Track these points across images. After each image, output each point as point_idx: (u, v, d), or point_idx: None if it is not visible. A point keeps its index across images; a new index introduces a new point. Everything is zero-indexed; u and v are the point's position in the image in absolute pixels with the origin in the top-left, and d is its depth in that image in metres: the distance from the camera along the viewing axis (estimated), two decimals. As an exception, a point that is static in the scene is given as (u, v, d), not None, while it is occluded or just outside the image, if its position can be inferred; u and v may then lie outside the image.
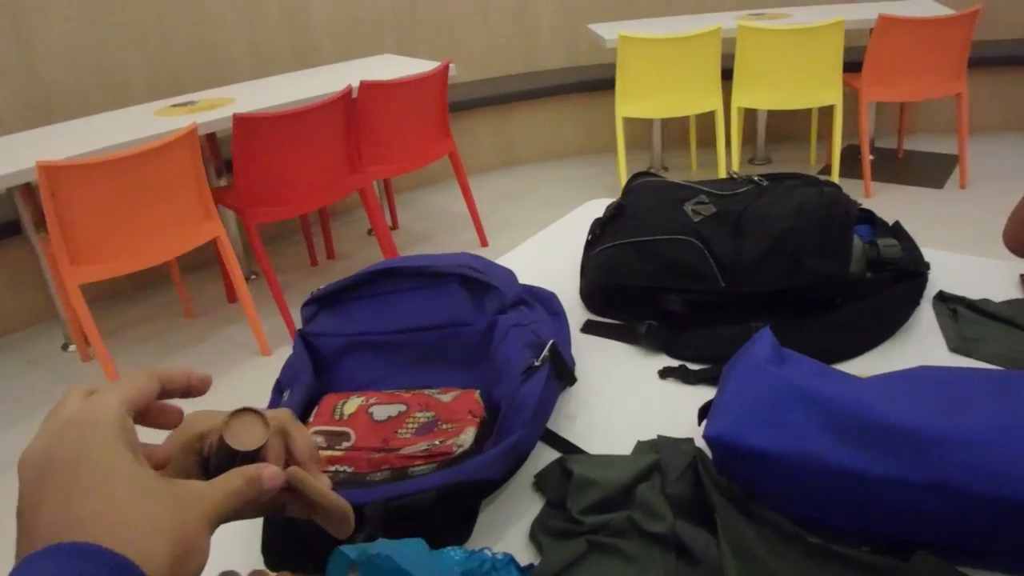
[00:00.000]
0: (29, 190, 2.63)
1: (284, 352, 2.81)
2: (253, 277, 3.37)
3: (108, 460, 0.38)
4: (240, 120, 2.57)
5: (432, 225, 3.86)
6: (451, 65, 3.18)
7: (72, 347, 2.98)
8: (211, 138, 3.05)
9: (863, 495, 0.61)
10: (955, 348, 0.90)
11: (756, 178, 1.10)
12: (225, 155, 3.07)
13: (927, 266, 1.00)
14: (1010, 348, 0.89)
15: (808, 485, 0.64)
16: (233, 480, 0.43)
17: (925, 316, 0.98)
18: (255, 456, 0.46)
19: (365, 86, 2.89)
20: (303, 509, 0.50)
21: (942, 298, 1.00)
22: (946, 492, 0.58)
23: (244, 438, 0.46)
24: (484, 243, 3.54)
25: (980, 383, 0.66)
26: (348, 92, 2.81)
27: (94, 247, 2.38)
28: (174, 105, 3.06)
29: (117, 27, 3.42)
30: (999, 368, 0.85)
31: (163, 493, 0.39)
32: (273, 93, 3.11)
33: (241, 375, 2.74)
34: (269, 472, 0.45)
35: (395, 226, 3.84)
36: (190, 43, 3.62)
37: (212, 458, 0.48)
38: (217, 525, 0.42)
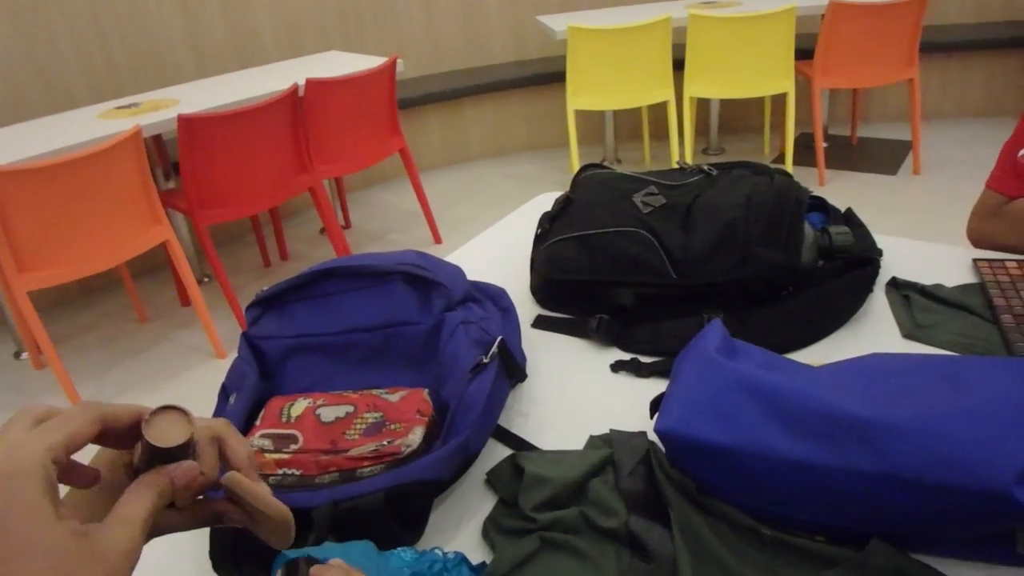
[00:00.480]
0: None
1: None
2: (206, 280, 3.30)
3: (26, 527, 0.37)
4: (185, 121, 2.51)
5: (385, 223, 3.82)
6: (398, 61, 3.14)
7: (24, 355, 2.90)
8: (157, 140, 2.97)
9: (815, 486, 0.61)
10: (908, 335, 0.91)
11: (705, 168, 1.10)
12: (172, 157, 3.00)
13: (880, 253, 1.01)
14: (962, 333, 0.89)
15: (760, 477, 0.63)
16: (142, 501, 0.41)
17: (878, 303, 0.99)
18: (181, 454, 0.44)
19: (312, 84, 2.84)
20: (242, 519, 0.48)
21: (895, 284, 1.01)
22: (896, 481, 0.58)
23: (166, 435, 0.43)
24: (438, 240, 3.51)
25: (928, 370, 0.66)
26: (295, 90, 2.76)
27: (41, 253, 2.31)
28: (117, 108, 2.97)
29: (54, 30, 3.32)
30: (949, 354, 0.86)
31: (79, 557, 0.38)
32: (218, 93, 3.03)
33: (196, 378, 2.69)
34: (182, 469, 0.43)
35: (348, 225, 3.79)
36: (131, 44, 3.52)
37: (138, 464, 0.45)
38: (141, 546, 0.41)
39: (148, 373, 2.75)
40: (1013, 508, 0.54)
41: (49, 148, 2.48)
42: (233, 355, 2.73)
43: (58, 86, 3.37)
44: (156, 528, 0.45)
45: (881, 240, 1.09)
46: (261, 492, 0.47)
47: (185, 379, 2.69)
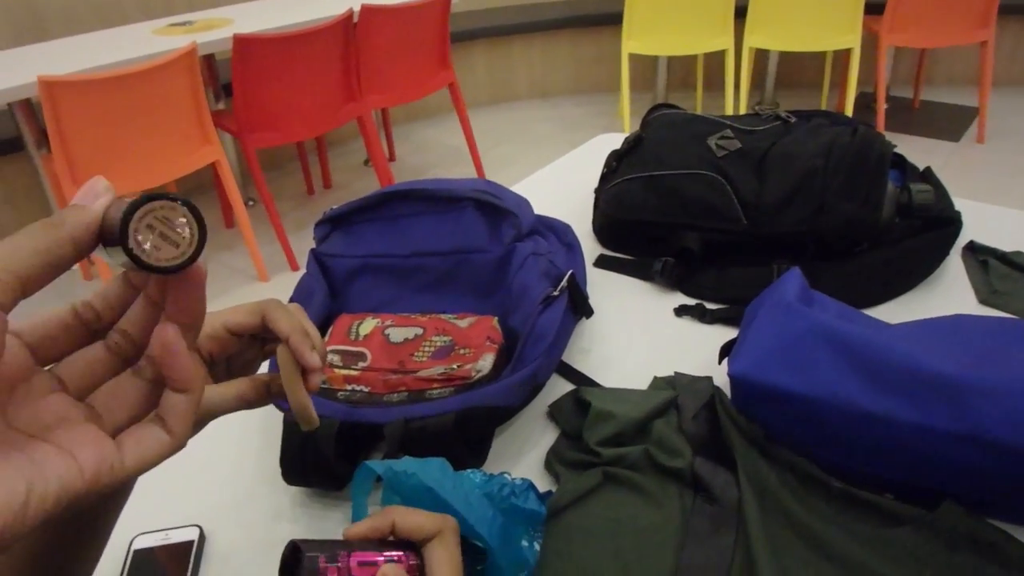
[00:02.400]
0: (29, 106, 2.56)
1: (281, 278, 2.79)
2: (250, 203, 3.32)
3: None
4: (240, 41, 2.48)
5: (429, 158, 3.79)
6: None
7: (75, 265, 2.95)
8: (209, 60, 2.96)
9: (891, 441, 0.60)
10: (984, 300, 0.88)
11: (783, 114, 1.06)
12: (223, 78, 2.99)
13: (959, 214, 0.98)
14: None
15: (833, 429, 0.62)
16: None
17: (954, 266, 0.96)
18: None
19: (366, 10, 2.79)
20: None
21: (972, 248, 0.98)
22: (978, 442, 0.56)
23: (163, 250, 0.30)
24: (482, 176, 3.49)
25: (1015, 333, 0.64)
26: (349, 15, 2.72)
27: (96, 166, 2.33)
28: (171, 25, 2.95)
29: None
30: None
31: None
32: (272, 15, 3.00)
33: (238, 300, 2.70)
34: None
35: (392, 158, 3.77)
36: None
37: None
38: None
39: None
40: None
41: (106, 61, 2.47)
42: (276, 278, 2.78)
43: (108, 1, 3.36)
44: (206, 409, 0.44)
45: (958, 203, 1.05)
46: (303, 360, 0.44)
47: (228, 301, 2.72)
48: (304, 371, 0.44)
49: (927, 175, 1.05)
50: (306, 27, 2.60)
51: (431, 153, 3.85)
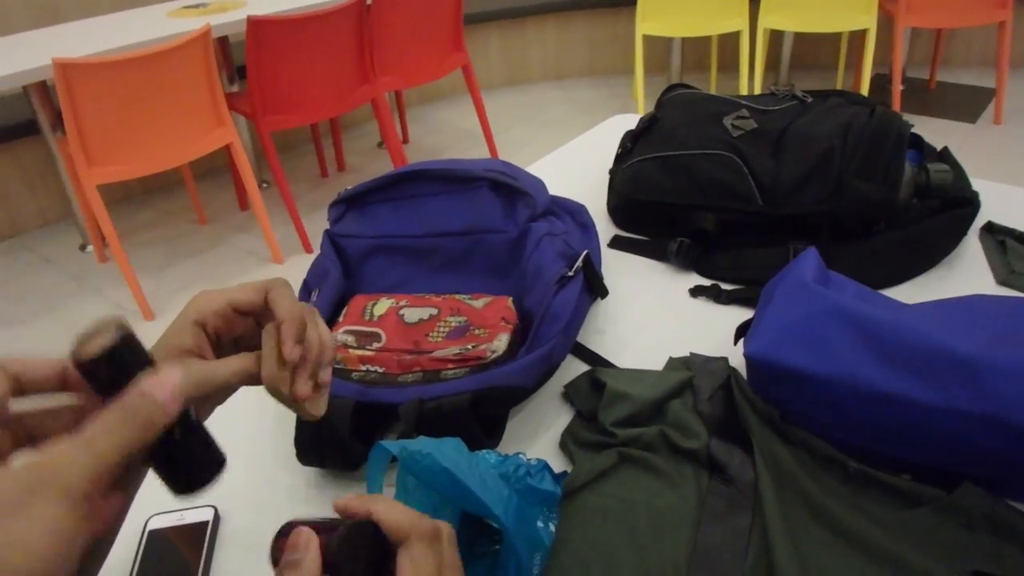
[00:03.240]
0: (44, 89, 2.57)
1: (296, 260, 2.80)
2: (264, 186, 3.33)
3: None
4: (254, 23, 2.46)
5: (442, 140, 3.78)
6: None
7: (89, 248, 2.97)
8: (223, 42, 2.96)
9: (908, 422, 0.60)
10: (1003, 281, 0.87)
11: (799, 94, 1.05)
12: (237, 61, 2.99)
13: (976, 194, 0.97)
14: None
15: (850, 409, 0.62)
16: (111, 422, 0.34)
17: (971, 247, 0.95)
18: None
19: None
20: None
21: (990, 229, 0.97)
22: (997, 423, 0.56)
23: (89, 345, 0.36)
24: (495, 157, 3.47)
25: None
26: None
27: (110, 148, 2.34)
28: (185, 7, 2.96)
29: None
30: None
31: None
32: None
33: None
34: (155, 380, 0.36)
35: (406, 140, 3.77)
36: None
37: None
38: (101, 485, 0.33)
39: (207, 274, 2.80)
40: None
41: (120, 44, 2.48)
42: (290, 260, 2.79)
43: None
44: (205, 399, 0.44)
45: (976, 184, 1.04)
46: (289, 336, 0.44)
47: (243, 282, 2.74)
48: (283, 341, 0.43)
49: (944, 155, 1.04)
50: (320, 9, 2.59)
51: (445, 135, 3.84)
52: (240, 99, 2.77)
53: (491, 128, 3.47)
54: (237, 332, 0.47)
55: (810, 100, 1.03)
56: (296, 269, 2.74)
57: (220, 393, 0.45)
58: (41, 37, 2.71)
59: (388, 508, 0.42)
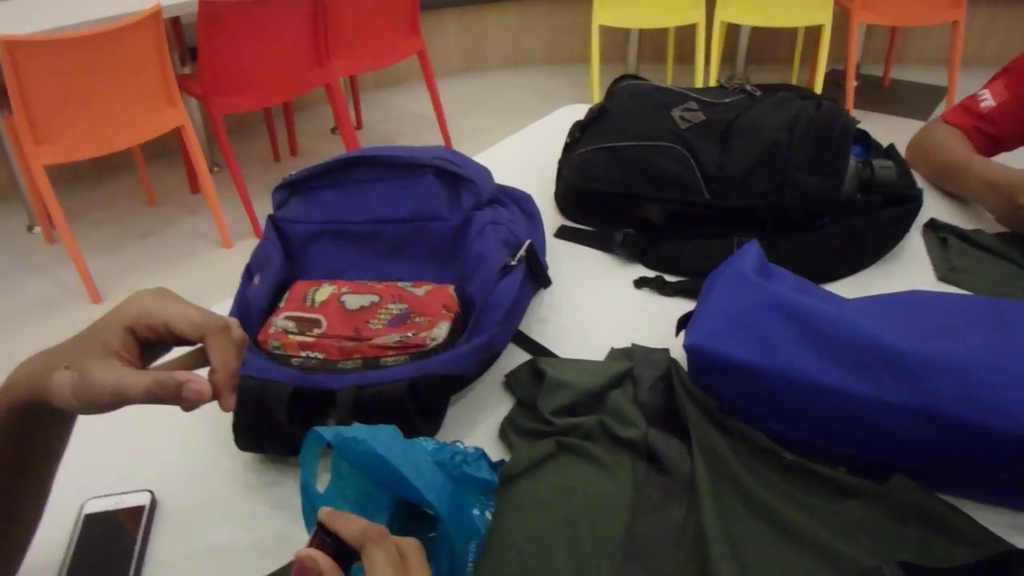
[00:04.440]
0: None
1: (245, 244, 2.75)
2: (216, 169, 3.26)
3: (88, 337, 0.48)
4: (206, 4, 2.45)
5: (397, 126, 3.74)
6: None
7: (36, 228, 2.91)
8: (175, 23, 2.90)
9: (843, 414, 0.60)
10: (943, 277, 0.89)
11: (748, 87, 1.06)
12: (189, 42, 2.93)
13: (920, 191, 0.98)
14: (999, 280, 0.87)
15: (787, 401, 0.63)
16: (139, 382, 0.45)
17: (913, 243, 0.97)
18: None
19: None
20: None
21: (933, 226, 0.98)
22: (930, 416, 0.57)
23: None
24: (449, 147, 3.44)
25: (972, 310, 0.65)
26: None
27: (59, 128, 2.30)
28: None
29: None
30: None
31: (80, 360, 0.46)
32: None
33: (202, 264, 2.69)
34: (193, 389, 0.46)
35: (359, 125, 3.73)
36: None
37: None
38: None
39: (156, 256, 2.75)
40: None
41: (68, 22, 2.42)
42: (240, 244, 2.75)
43: None
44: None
45: (920, 181, 1.06)
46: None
47: (193, 265, 2.70)
48: (216, 391, 0.47)
49: (890, 152, 1.06)
50: None
51: (399, 121, 3.80)
52: (192, 81, 2.72)
53: (447, 115, 3.44)
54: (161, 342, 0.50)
55: (759, 94, 1.04)
56: (245, 254, 2.68)
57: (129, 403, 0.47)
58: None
59: (345, 522, 0.46)
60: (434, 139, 3.46)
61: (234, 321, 0.49)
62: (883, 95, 3.81)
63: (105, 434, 0.70)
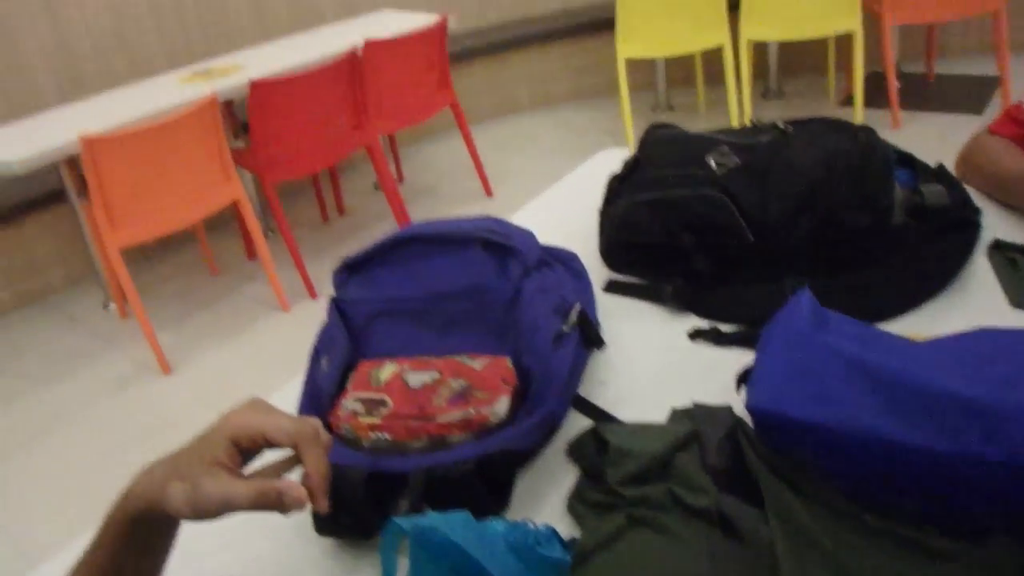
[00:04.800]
0: (71, 160, 2.69)
1: (301, 307, 2.88)
2: (269, 234, 3.39)
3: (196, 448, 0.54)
4: (257, 86, 2.63)
5: (436, 177, 3.83)
6: (449, 18, 3.17)
7: (112, 305, 3.09)
8: (227, 104, 3.07)
9: (923, 472, 0.58)
10: (1018, 303, 0.85)
11: (780, 124, 1.06)
12: (239, 117, 3.10)
13: (978, 212, 0.95)
14: None
15: (861, 460, 0.61)
16: (247, 492, 0.51)
17: (980, 268, 0.93)
18: None
19: (369, 45, 2.90)
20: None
21: (998, 247, 0.95)
22: (1017, 469, 0.54)
23: None
24: (489, 193, 3.50)
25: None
26: (354, 51, 2.84)
27: (131, 212, 2.50)
28: (194, 74, 3.09)
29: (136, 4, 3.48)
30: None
31: (190, 470, 0.52)
32: (281, 56, 3.14)
33: (263, 330, 2.81)
34: (292, 496, 0.51)
35: (401, 178, 3.83)
36: (201, 13, 3.67)
37: None
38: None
39: (220, 324, 2.89)
40: None
41: (136, 114, 2.64)
42: (297, 307, 2.87)
43: (140, 56, 3.54)
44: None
45: (978, 197, 1.02)
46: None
47: (253, 331, 2.81)
48: (311, 495, 0.53)
49: (941, 173, 1.03)
50: (316, 66, 2.75)
51: (438, 171, 3.89)
52: (244, 155, 2.89)
53: (485, 160, 3.51)
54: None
55: (791, 131, 1.04)
56: (302, 315, 2.84)
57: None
58: (68, 112, 2.88)
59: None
60: (473, 186, 3.53)
61: (319, 424, 0.54)
62: (930, 93, 3.67)
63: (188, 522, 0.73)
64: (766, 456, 0.66)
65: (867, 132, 0.99)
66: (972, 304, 0.88)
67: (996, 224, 0.99)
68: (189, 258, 3.40)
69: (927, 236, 0.92)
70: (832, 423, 0.61)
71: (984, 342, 0.65)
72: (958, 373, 0.60)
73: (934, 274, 0.90)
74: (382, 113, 3.08)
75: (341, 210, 3.59)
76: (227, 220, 3.40)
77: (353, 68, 2.86)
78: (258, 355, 2.65)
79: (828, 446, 0.62)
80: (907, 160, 1.05)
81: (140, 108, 2.70)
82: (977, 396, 0.57)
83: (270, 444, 0.54)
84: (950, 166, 1.08)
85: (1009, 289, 0.88)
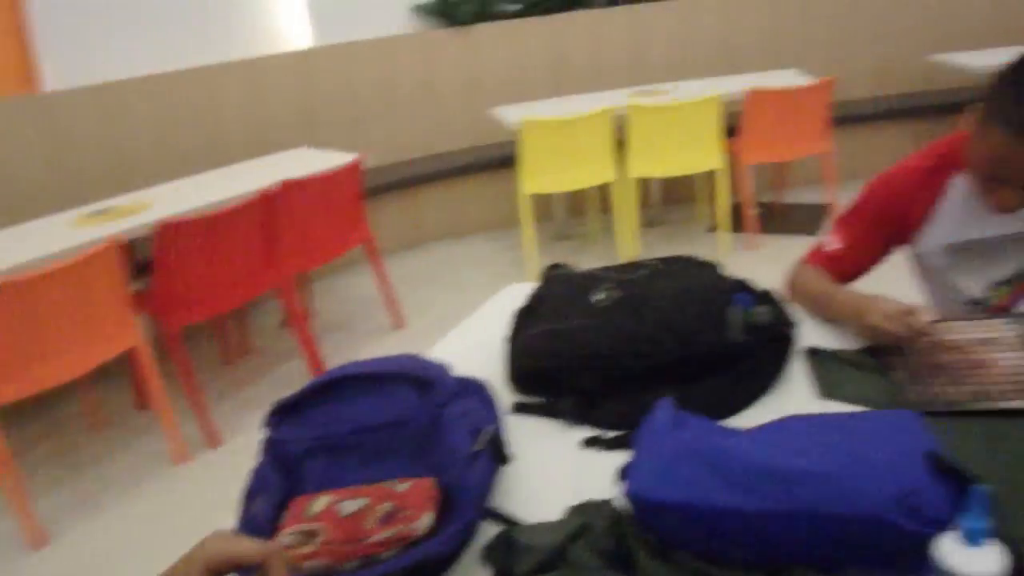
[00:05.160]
0: None
1: (203, 459, 2.69)
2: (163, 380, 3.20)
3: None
4: (165, 227, 2.54)
5: (347, 310, 3.87)
6: (364, 156, 3.30)
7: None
8: (126, 245, 2.98)
9: (744, 528, 0.77)
10: (826, 395, 1.10)
11: (655, 262, 1.29)
12: (139, 256, 2.88)
13: (793, 325, 1.21)
14: (869, 389, 1.10)
15: (708, 527, 0.79)
16: None
17: (799, 368, 1.19)
18: None
19: (287, 184, 2.92)
20: None
21: (812, 352, 1.21)
22: (802, 516, 0.74)
23: None
24: (400, 325, 3.58)
25: (831, 425, 0.85)
26: (269, 191, 2.84)
27: (10, 365, 2.29)
28: (91, 214, 2.95)
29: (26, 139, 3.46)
30: (849, 410, 1.04)
31: None
32: (191, 194, 3.07)
33: (157, 489, 2.59)
34: None
35: (311, 314, 3.75)
36: (100, 149, 3.69)
37: None
38: None
39: (108, 485, 2.65)
40: (886, 527, 0.71)
41: (22, 258, 2.48)
42: (198, 459, 2.64)
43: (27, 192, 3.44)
44: None
45: (800, 313, 1.30)
46: None
47: (144, 489, 2.61)
48: None
49: (766, 296, 1.27)
50: (228, 206, 2.68)
51: (351, 304, 3.93)
52: (145, 298, 2.72)
53: (398, 292, 3.62)
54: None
55: (662, 267, 1.27)
56: (206, 469, 2.62)
57: None
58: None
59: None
60: (385, 321, 3.60)
61: (281, 546, 0.64)
62: (780, 218, 4.28)
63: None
64: (638, 535, 0.82)
65: (714, 268, 1.22)
66: (793, 397, 1.12)
67: (810, 334, 1.27)
68: (67, 412, 3.10)
69: (758, 348, 1.14)
70: (686, 500, 0.79)
71: (789, 425, 0.87)
72: (770, 449, 0.81)
73: (764, 377, 1.14)
74: (296, 251, 3.05)
75: (245, 350, 3.48)
76: (111, 367, 3.02)
77: (268, 207, 2.85)
78: (154, 518, 2.41)
79: (686, 519, 0.80)
80: (745, 287, 1.28)
81: (25, 252, 2.53)
82: (776, 463, 0.77)
83: (240, 567, 0.62)
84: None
85: (818, 384, 1.14)
